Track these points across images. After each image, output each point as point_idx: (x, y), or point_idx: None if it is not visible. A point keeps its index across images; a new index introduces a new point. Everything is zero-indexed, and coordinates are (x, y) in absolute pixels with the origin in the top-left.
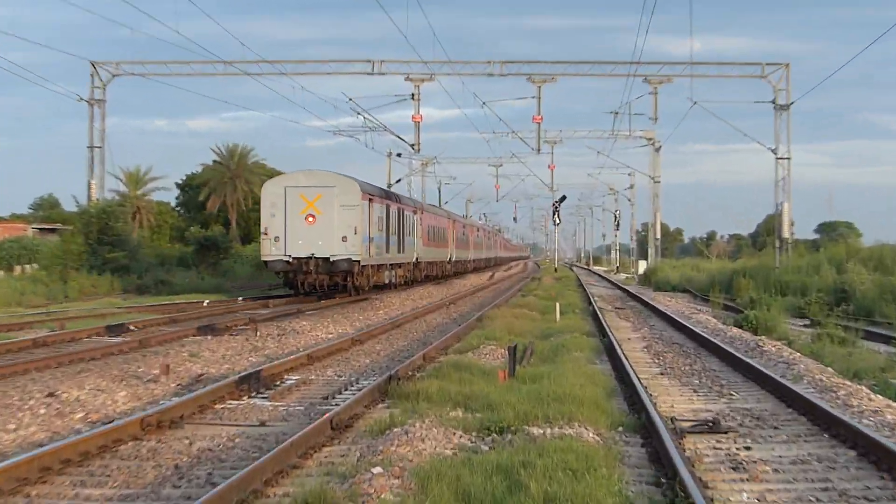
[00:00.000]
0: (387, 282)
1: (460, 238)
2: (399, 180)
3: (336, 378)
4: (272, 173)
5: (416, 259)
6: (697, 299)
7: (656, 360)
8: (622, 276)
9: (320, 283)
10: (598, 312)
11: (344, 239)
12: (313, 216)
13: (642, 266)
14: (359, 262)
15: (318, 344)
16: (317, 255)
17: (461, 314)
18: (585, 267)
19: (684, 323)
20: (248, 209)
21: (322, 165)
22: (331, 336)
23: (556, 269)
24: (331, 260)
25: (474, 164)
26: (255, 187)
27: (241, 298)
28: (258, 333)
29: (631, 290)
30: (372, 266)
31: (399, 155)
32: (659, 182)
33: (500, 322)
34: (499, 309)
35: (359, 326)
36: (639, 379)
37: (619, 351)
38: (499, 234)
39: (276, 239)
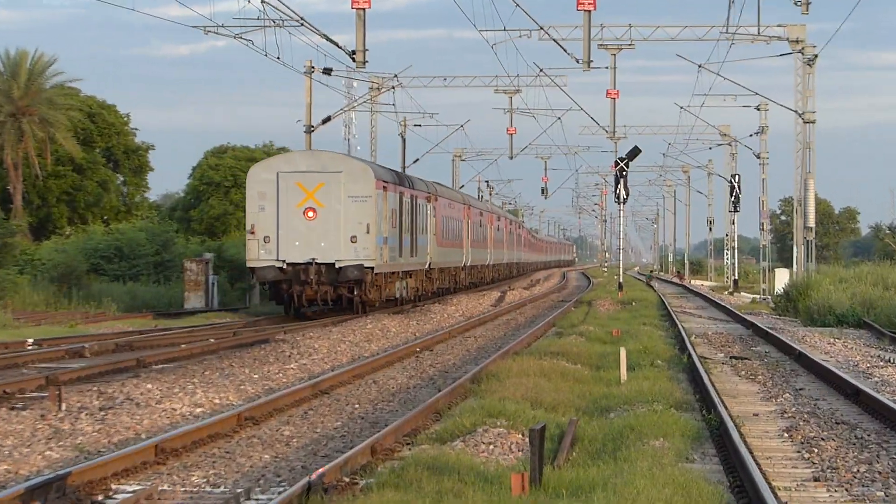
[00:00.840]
0: (398, 295)
1: (476, 233)
2: (328, 119)
3: (207, 491)
4: (93, 107)
5: (429, 264)
6: (886, 340)
7: (805, 455)
8: (744, 296)
9: (323, 297)
10: (698, 365)
11: (353, 239)
12: (314, 210)
13: (781, 279)
14: (372, 268)
15: (175, 424)
16: (319, 261)
17: (443, 367)
18: (676, 280)
19: (860, 386)
20: (49, 174)
21: (186, 89)
22: (200, 410)
23: (620, 286)
24: (337, 267)
25: (469, 89)
26: (60, 130)
27: (30, 341)
28: (61, 406)
29: (760, 325)
30: (385, 274)
31: (329, 71)
32: (812, 122)
33: (516, 383)
34: (514, 360)
35: (253, 393)
36: (775, 494)
37: (736, 438)
38: (520, 225)
39: (266, 239)
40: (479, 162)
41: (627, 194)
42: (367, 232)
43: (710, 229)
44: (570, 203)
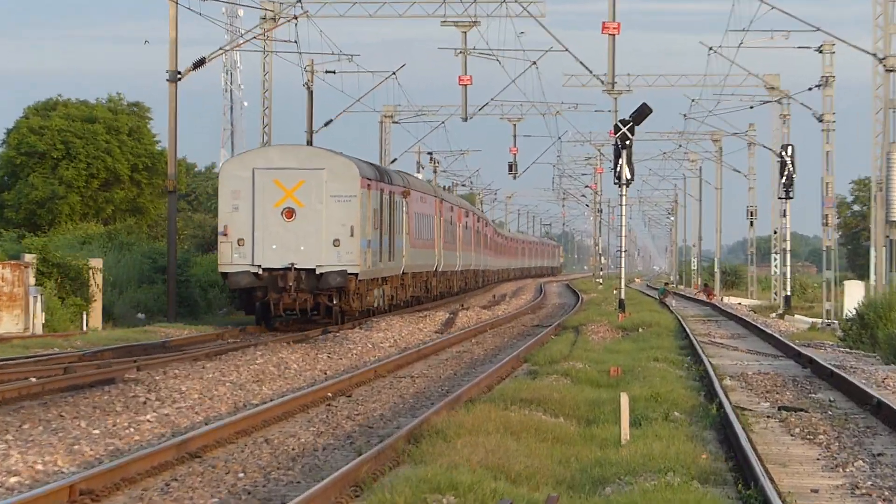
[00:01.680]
0: (375, 305)
1: (447, 232)
2: (203, 62)
3: None
4: None
5: (403, 269)
6: None
7: None
8: (800, 321)
9: (301, 306)
10: (733, 419)
11: (336, 243)
12: (293, 211)
13: (853, 295)
14: (356, 275)
15: None
16: (298, 266)
17: (366, 420)
18: (701, 296)
19: None
20: None
21: None
22: (15, 480)
23: (621, 305)
24: (318, 273)
25: (404, 21)
26: None
27: None
28: None
29: (821, 362)
30: (367, 281)
31: None
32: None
33: (471, 444)
34: (468, 411)
35: (92, 456)
36: None
37: None
38: (484, 221)
39: (240, 242)
40: (420, 125)
41: (632, 173)
42: (351, 235)
43: (752, 223)
44: (549, 185)
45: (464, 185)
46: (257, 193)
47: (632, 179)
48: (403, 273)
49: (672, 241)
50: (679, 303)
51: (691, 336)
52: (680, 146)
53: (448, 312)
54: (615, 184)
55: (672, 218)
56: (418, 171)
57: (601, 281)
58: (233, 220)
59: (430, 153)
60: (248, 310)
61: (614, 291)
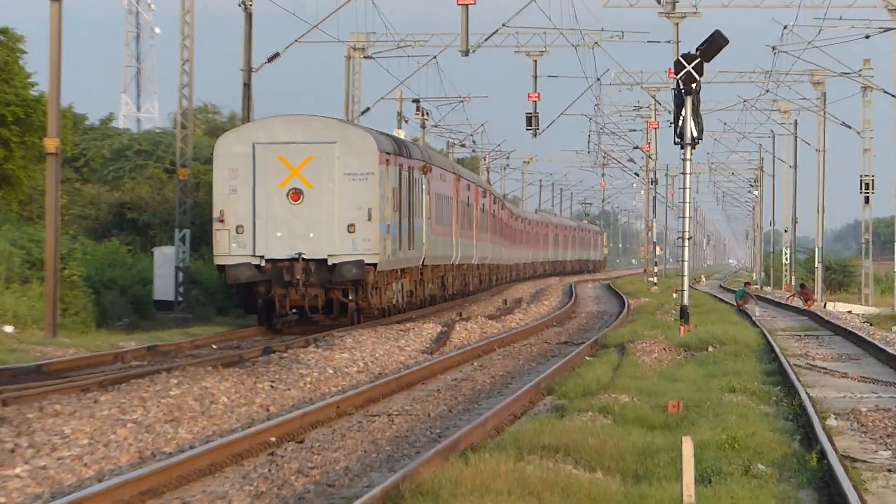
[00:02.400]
0: (394, 302)
1: (464, 217)
2: None
3: None
4: None
5: (423, 260)
6: None
7: None
8: None
9: (311, 303)
10: (841, 475)
11: (351, 228)
12: (300, 192)
13: None
14: (375, 265)
15: None
16: (307, 257)
17: (326, 476)
18: (796, 301)
19: None
20: None
21: None
22: None
23: (683, 314)
24: (330, 264)
25: None
26: None
27: None
28: None
29: None
30: (386, 273)
31: None
32: None
33: None
34: (468, 463)
35: None
36: None
37: None
38: (495, 198)
39: (240, 229)
40: (402, 62)
41: (700, 130)
42: (369, 219)
43: (867, 200)
44: (583, 146)
45: (463, 146)
46: (258, 172)
47: (699, 138)
48: (423, 265)
49: (755, 225)
50: (765, 310)
51: (781, 358)
52: (767, 91)
53: (440, 325)
54: (676, 144)
55: (755, 192)
56: (400, 128)
57: (655, 280)
58: (230, 203)
59: (416, 101)
60: (249, 308)
61: (674, 295)
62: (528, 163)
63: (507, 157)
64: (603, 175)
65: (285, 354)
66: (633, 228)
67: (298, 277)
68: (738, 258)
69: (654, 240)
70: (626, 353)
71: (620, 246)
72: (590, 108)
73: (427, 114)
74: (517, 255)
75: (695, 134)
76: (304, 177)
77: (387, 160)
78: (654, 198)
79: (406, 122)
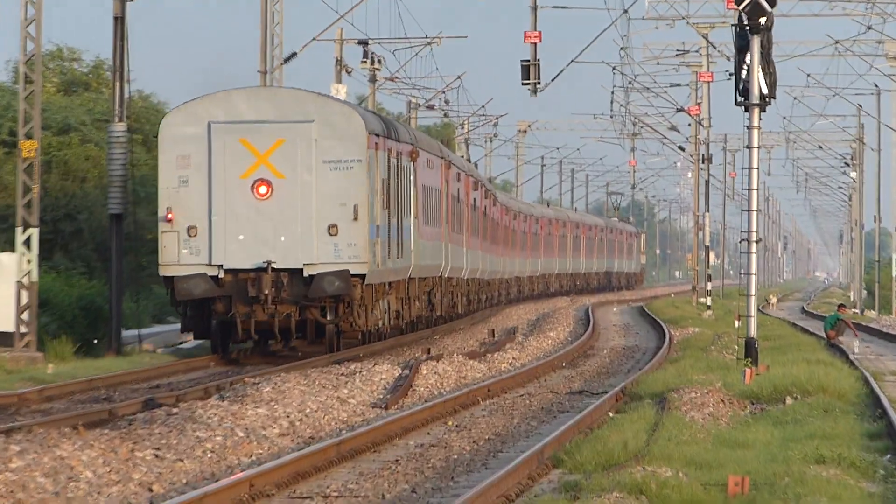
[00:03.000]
0: (380, 324)
1: (455, 215)
2: None
3: None
4: None
5: (410, 271)
6: None
7: None
8: None
9: (283, 324)
10: None
11: (333, 230)
12: (269, 184)
13: None
14: (363, 276)
15: None
16: (278, 266)
17: None
18: None
19: None
20: None
21: None
22: None
23: (749, 349)
24: (307, 275)
25: None
26: None
27: None
28: None
29: None
30: (375, 286)
31: None
32: None
33: None
34: None
35: None
36: None
37: None
38: (484, 189)
39: (192, 231)
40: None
41: (773, 85)
42: (355, 218)
43: None
44: (605, 107)
45: (431, 108)
46: (215, 159)
47: (771, 96)
48: (410, 277)
49: (851, 223)
50: (867, 345)
51: (892, 414)
52: (869, 28)
53: (398, 366)
54: (738, 105)
55: (851, 175)
56: (339, 81)
57: (709, 301)
58: (180, 199)
59: (362, 43)
60: (201, 331)
61: (736, 323)
62: (525, 132)
63: (495, 125)
64: (633, 150)
65: (176, 410)
66: (675, 227)
67: (267, 292)
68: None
69: (707, 243)
70: (668, 406)
71: (658, 252)
72: (614, 54)
73: (379, 61)
74: (513, 266)
75: (765, 90)
76: (272, 165)
77: (376, 144)
78: (707, 183)
79: (349, 73)
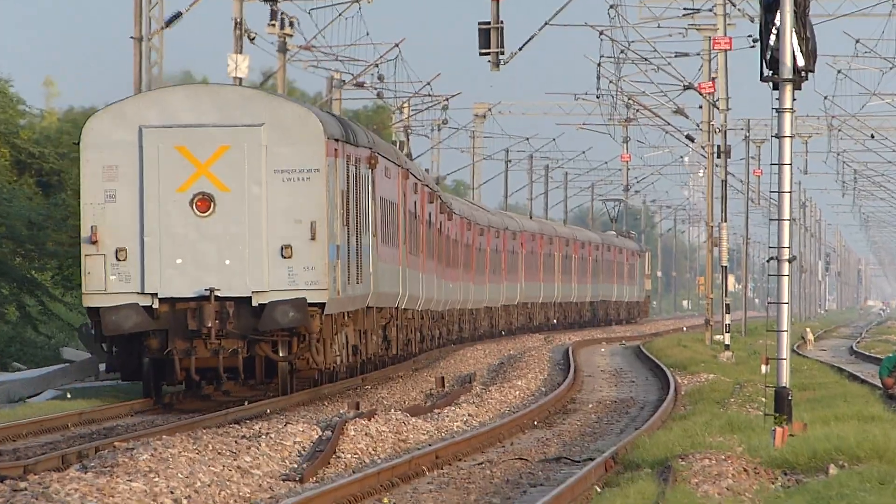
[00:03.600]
0: (337, 362)
1: (412, 233)
2: None
3: None
4: None
5: (368, 298)
6: None
7: None
8: None
9: (228, 363)
10: None
11: (287, 252)
12: (210, 198)
13: None
14: (322, 305)
15: None
16: (223, 294)
17: None
18: None
19: None
20: None
21: None
22: None
23: (779, 401)
24: (256, 304)
25: None
26: None
27: None
28: None
29: None
30: (335, 318)
31: None
32: None
33: None
34: None
35: None
36: None
37: None
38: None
39: (121, 254)
40: None
41: (811, 54)
42: (312, 237)
43: None
44: (587, 87)
45: (361, 86)
46: (148, 170)
47: (808, 69)
48: (368, 307)
49: None
50: None
51: None
52: None
53: (317, 426)
54: (764, 81)
55: None
56: (240, 51)
57: (726, 339)
58: (106, 217)
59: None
60: (129, 372)
61: (763, 368)
62: (485, 117)
63: (445, 108)
64: (626, 141)
65: (24, 484)
66: (682, 242)
67: (210, 325)
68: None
69: (725, 263)
70: (673, 478)
71: (660, 275)
72: (601, 14)
73: (291, 24)
74: (479, 295)
75: (800, 61)
76: (215, 176)
77: (335, 150)
78: (725, 184)
79: (252, 40)
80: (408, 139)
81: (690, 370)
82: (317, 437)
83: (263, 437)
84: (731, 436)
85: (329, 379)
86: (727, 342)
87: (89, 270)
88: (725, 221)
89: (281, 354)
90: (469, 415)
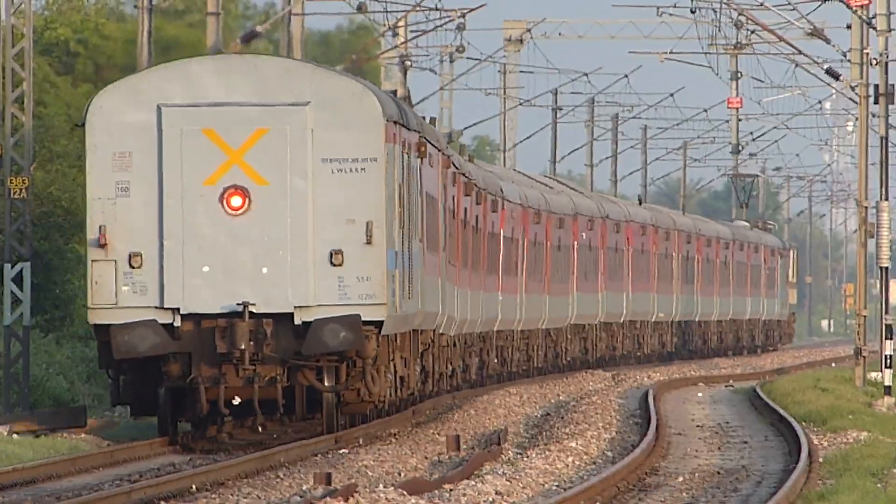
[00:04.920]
0: (387, 396)
1: (451, 235)
2: None
3: None
4: None
5: (417, 319)
6: None
7: None
8: None
9: (265, 394)
10: None
11: (336, 258)
12: (245, 193)
13: None
14: (380, 325)
15: None
16: (259, 310)
17: None
18: None
19: None
20: None
21: None
22: None
23: None
24: (299, 322)
25: None
26: None
27: None
28: None
29: None
30: (392, 340)
31: None
32: None
33: None
34: None
35: None
36: None
37: None
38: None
39: (135, 261)
40: None
41: None
42: (369, 241)
43: None
44: None
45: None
46: (169, 159)
47: None
48: (413, 329)
49: None
50: None
51: None
52: None
53: None
54: None
55: None
56: None
57: (888, 378)
58: (118, 215)
59: None
60: (141, 405)
61: None
62: (522, 42)
63: (460, 28)
64: (736, 77)
65: None
66: (821, 231)
67: (243, 347)
68: None
69: (886, 263)
70: None
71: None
72: None
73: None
74: (544, 310)
75: None
76: (250, 166)
77: (394, 136)
78: (885, 143)
79: None
80: (405, 77)
81: (832, 426)
82: None
83: None
84: None
85: (377, 415)
86: (888, 383)
87: (97, 280)
88: (886, 199)
89: (327, 384)
90: (497, 492)
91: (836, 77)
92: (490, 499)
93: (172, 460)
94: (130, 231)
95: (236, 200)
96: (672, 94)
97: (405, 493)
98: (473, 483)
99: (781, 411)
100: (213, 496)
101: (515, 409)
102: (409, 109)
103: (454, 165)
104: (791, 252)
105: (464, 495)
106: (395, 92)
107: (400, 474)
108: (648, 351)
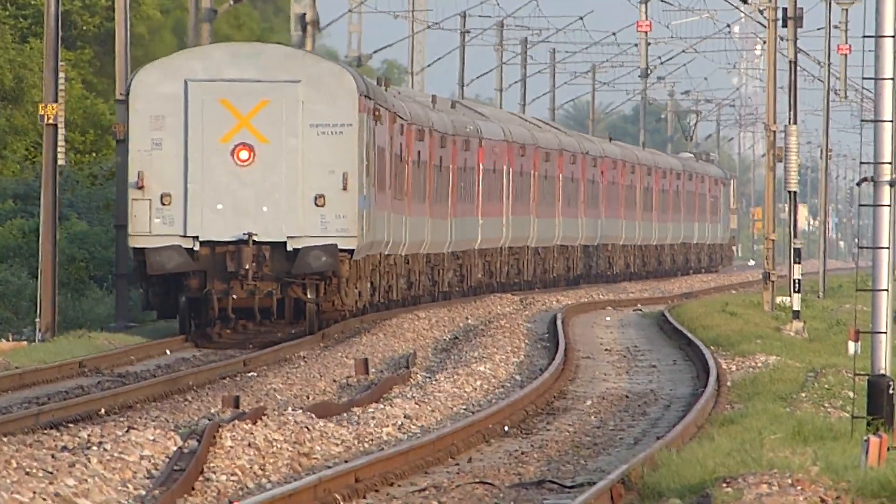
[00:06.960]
0: (362, 303)
1: (395, 175)
2: None
3: None
4: None
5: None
6: None
7: None
8: None
9: (263, 303)
10: None
11: (320, 201)
12: (251, 149)
13: None
14: (351, 252)
15: None
16: (260, 239)
17: None
18: None
19: None
20: None
21: None
22: None
23: (874, 406)
24: (290, 248)
25: None
26: None
27: None
28: None
29: None
30: (362, 262)
31: None
32: None
33: None
34: None
35: None
36: None
37: None
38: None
39: (165, 199)
40: None
41: None
42: (344, 188)
43: None
44: None
45: None
46: (192, 121)
47: None
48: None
49: None
50: None
51: None
52: None
53: (179, 433)
54: None
55: None
56: None
57: (795, 302)
58: (153, 164)
59: None
60: (166, 310)
61: (850, 346)
62: None
63: None
64: (645, 1)
65: None
66: (729, 156)
67: (247, 267)
68: None
69: (793, 187)
70: None
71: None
72: None
73: None
74: (520, 230)
75: None
76: (255, 129)
77: (364, 106)
78: (794, 67)
79: None
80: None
81: (741, 350)
82: (175, 449)
83: (95, 448)
84: (801, 448)
85: (357, 313)
86: (796, 307)
87: (135, 213)
88: (795, 123)
89: (310, 296)
90: (406, 416)
91: (745, 0)
92: (399, 422)
93: (81, 383)
94: (162, 176)
95: (244, 154)
96: (581, 18)
97: (314, 416)
98: (382, 406)
99: (690, 335)
100: (122, 419)
101: (424, 333)
102: (370, 82)
103: (400, 117)
104: (732, 181)
105: (372, 418)
106: (303, 15)
107: (308, 397)
108: (617, 271)
